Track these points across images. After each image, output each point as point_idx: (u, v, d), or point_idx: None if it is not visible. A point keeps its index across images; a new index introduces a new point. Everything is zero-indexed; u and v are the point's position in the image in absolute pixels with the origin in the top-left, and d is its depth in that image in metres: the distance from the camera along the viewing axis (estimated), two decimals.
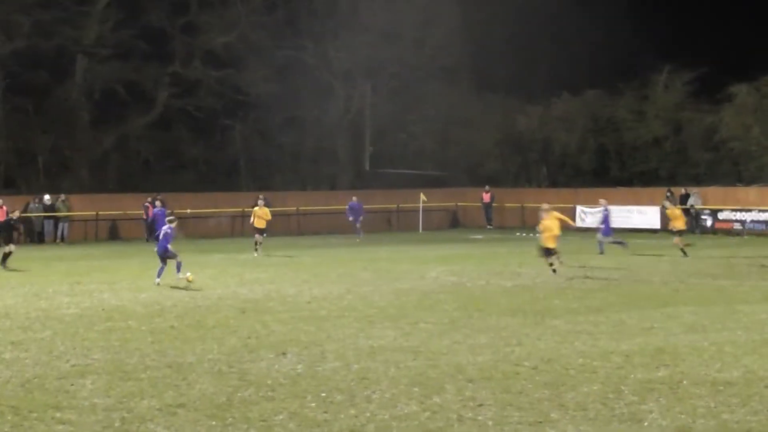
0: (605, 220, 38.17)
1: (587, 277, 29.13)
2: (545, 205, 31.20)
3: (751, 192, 49.73)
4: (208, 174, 62.84)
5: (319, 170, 65.44)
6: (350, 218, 49.14)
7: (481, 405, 13.43)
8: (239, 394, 14.13)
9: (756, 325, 19.92)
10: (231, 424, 12.60)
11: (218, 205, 53.75)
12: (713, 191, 51.11)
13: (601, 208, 38.93)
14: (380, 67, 63.69)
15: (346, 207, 49.87)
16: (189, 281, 27.32)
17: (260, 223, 39.09)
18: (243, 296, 25.48)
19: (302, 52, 63.75)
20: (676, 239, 36.41)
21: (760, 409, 12.88)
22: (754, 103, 59.43)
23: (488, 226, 56.18)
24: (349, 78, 64.78)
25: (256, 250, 38.66)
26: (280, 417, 12.98)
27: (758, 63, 57.72)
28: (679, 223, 36.93)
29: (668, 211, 38.42)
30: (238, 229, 51.67)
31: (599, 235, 38.02)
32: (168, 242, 28.64)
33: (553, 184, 61.75)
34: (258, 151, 64.03)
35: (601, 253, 36.94)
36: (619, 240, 38.01)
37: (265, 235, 39.63)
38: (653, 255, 36.79)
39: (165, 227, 29.33)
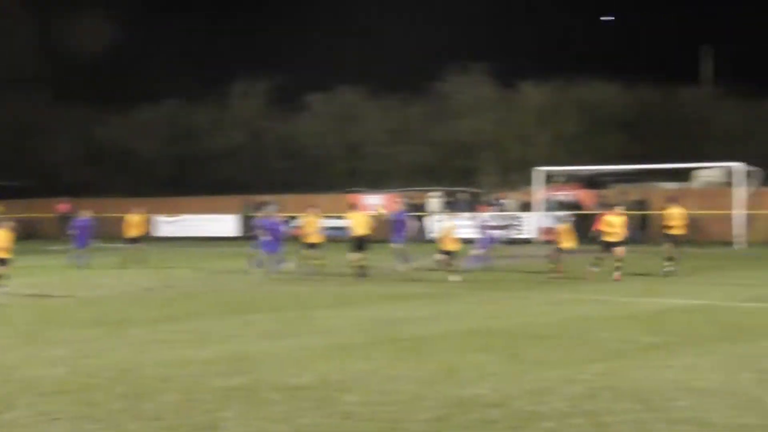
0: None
1: (168, 287, 29.17)
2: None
3: (327, 199, 51.50)
4: None
5: None
6: None
7: (55, 419, 13.11)
8: None
9: (329, 330, 20.55)
10: None
11: None
12: (291, 199, 52.45)
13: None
14: None
15: None
16: None
17: None
18: None
19: None
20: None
21: (333, 412, 13.29)
22: (329, 112, 61.91)
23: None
24: None
25: None
26: None
27: (331, 76, 60.31)
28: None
29: None
30: None
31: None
32: None
33: (135, 193, 61.24)
34: None
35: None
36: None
37: None
38: (231, 263, 37.26)
39: None
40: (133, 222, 39.63)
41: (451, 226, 30.90)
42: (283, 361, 16.93)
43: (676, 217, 31.05)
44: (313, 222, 34.84)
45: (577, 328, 20.11)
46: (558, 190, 46.87)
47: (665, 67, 65.11)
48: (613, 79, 60.39)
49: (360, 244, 32.33)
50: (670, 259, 30.63)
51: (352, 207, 38.74)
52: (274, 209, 50.66)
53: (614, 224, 30.46)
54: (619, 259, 29.76)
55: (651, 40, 70.62)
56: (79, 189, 61.14)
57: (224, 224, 51.21)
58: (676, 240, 30.87)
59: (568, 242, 31.06)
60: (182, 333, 20.25)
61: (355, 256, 32.12)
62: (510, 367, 16.03)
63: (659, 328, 19.74)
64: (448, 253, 29.76)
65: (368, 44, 65.70)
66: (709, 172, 48.41)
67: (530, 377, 15.15)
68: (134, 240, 39.22)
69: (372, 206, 41.69)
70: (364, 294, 26.85)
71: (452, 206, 47.86)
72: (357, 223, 32.93)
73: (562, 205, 45.17)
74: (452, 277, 29.46)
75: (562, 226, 31.85)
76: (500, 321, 21.44)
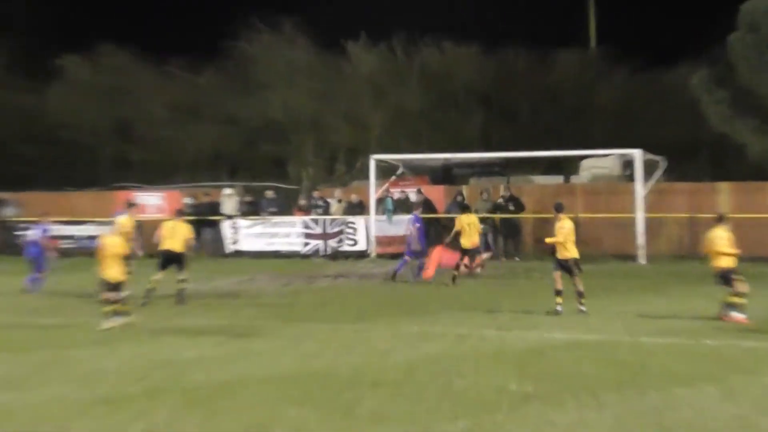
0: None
1: None
2: None
3: (86, 198, 50.62)
4: None
5: None
6: None
7: None
8: None
9: (91, 376, 20.15)
10: None
11: None
12: (37, 197, 51.10)
13: None
14: None
15: None
16: None
17: None
18: None
19: None
20: None
21: None
22: (90, 80, 60.93)
23: None
24: None
25: None
26: None
27: (88, 28, 59.24)
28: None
29: None
30: None
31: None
32: None
33: None
34: None
35: None
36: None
37: None
38: None
39: None
40: None
41: None
42: (28, 420, 16.72)
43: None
44: None
45: (428, 371, 20.08)
46: (399, 186, 46.94)
47: (536, 26, 65.55)
48: (470, 41, 60.88)
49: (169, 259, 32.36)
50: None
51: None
52: (12, 212, 49.69)
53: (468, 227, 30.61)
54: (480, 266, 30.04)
55: None
56: None
57: None
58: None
59: None
60: None
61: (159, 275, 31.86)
62: (338, 426, 16.02)
63: (536, 371, 19.85)
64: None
65: None
66: (598, 161, 48.56)
67: None
68: None
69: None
70: (137, 327, 26.29)
71: (256, 207, 47.57)
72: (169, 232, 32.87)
73: (405, 206, 45.13)
74: None
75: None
76: (323, 362, 21.32)
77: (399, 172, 47.05)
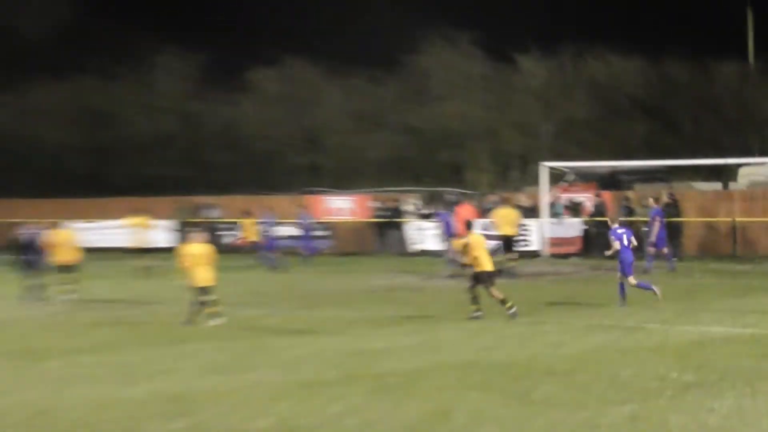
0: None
1: (91, 309, 29.21)
2: None
3: (281, 201, 51.19)
4: None
5: None
6: None
7: None
8: None
9: (291, 363, 20.64)
10: None
11: None
12: (237, 201, 51.84)
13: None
14: None
15: None
16: None
17: None
18: None
19: None
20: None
21: None
22: (279, 93, 61.37)
23: None
24: None
25: None
26: None
27: (280, 47, 59.88)
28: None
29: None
30: None
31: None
32: None
33: (41, 194, 60.12)
34: None
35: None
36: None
37: None
38: (161, 279, 37.05)
39: None
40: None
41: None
42: (234, 402, 17.03)
43: None
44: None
45: (596, 361, 20.26)
46: (569, 191, 46.64)
47: (698, 38, 64.59)
48: (635, 53, 60.28)
49: (508, 243, 37.99)
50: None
51: (505, 202, 42.04)
52: (215, 213, 50.72)
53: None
54: None
55: (680, 3, 70.45)
56: None
57: (154, 232, 50.58)
58: None
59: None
60: (109, 366, 20.35)
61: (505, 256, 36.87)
62: (515, 410, 16.15)
63: (696, 362, 19.81)
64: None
65: (327, 6, 65.24)
66: (756, 169, 47.87)
67: (540, 422, 15.33)
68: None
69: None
70: (331, 319, 26.91)
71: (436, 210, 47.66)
72: (503, 221, 38.34)
73: (573, 210, 45.07)
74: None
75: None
76: (501, 352, 21.60)
77: (568, 178, 46.88)
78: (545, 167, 44.04)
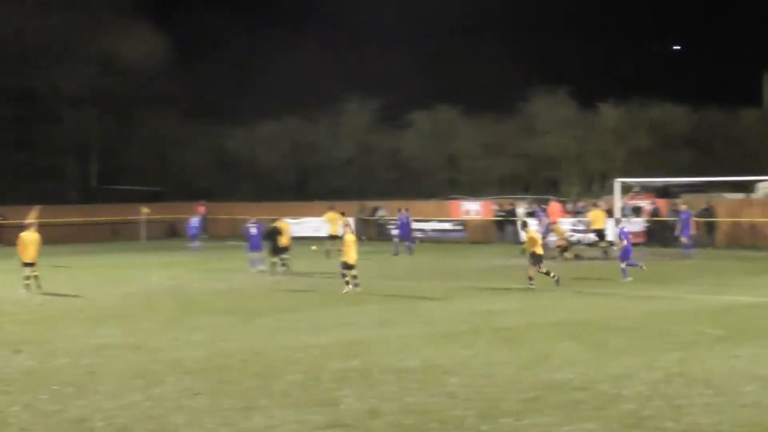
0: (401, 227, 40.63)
1: (293, 280, 29.43)
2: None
3: (429, 206, 51.39)
4: None
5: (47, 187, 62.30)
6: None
7: (197, 394, 13.35)
8: None
9: (434, 319, 20.55)
10: None
11: None
12: (398, 205, 52.01)
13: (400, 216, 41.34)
14: (105, 92, 61.43)
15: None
16: None
17: None
18: None
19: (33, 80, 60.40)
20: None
21: (438, 392, 13.35)
22: (431, 129, 62.06)
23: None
24: (76, 103, 62.19)
25: None
26: (15, 409, 12.55)
27: (432, 96, 60.45)
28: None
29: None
30: None
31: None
32: None
33: (259, 198, 61.31)
34: None
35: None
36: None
37: None
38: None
39: None
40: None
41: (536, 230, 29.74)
42: (393, 347, 16.98)
43: None
44: None
45: (652, 321, 19.88)
46: (635, 199, 45.98)
47: (729, 92, 64.62)
48: (682, 102, 59.86)
49: (601, 234, 38.78)
50: None
51: (595, 206, 41.61)
52: (382, 213, 50.96)
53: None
54: None
55: (716, 66, 69.71)
56: (209, 194, 61.67)
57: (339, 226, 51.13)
58: None
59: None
60: (304, 321, 20.44)
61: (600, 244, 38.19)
62: (595, 355, 15.96)
63: (725, 322, 19.40)
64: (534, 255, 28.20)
65: (465, 68, 65.37)
66: None
67: (613, 364, 15.09)
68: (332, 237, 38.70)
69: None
70: (462, 288, 26.68)
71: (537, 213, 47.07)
72: (596, 219, 39.17)
73: (638, 212, 44.55)
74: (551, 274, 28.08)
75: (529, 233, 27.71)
76: (585, 314, 21.27)
77: (634, 190, 46.07)
78: (618, 182, 43.29)
